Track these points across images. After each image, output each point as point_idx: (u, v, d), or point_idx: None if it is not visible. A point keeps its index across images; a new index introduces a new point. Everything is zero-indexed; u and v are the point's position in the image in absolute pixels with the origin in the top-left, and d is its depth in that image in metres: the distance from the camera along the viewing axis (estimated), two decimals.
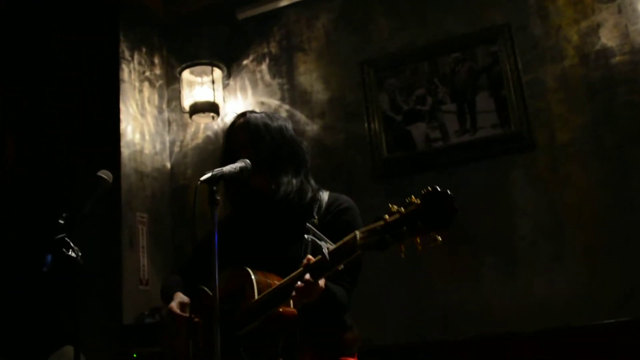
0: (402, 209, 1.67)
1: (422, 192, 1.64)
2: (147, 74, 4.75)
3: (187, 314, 2.13)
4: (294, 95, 4.53)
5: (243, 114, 2.32)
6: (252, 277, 1.99)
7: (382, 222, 1.70)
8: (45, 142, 4.51)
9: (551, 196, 3.73)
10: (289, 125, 2.33)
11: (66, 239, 2.05)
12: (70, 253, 2.04)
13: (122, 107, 4.40)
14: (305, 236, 1.86)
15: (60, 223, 2.07)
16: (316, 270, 1.83)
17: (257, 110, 4.43)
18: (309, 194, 2.21)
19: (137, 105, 4.56)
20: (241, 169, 2.03)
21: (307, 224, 1.90)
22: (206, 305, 2.02)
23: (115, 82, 4.44)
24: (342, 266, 1.81)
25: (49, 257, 2.02)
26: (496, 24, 4.05)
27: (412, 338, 3.71)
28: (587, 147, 3.71)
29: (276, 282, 2.00)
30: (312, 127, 4.40)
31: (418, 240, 1.65)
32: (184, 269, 2.44)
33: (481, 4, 4.13)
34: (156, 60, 4.89)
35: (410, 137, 4.12)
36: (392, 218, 1.68)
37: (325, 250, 1.79)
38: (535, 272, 3.65)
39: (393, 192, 4.04)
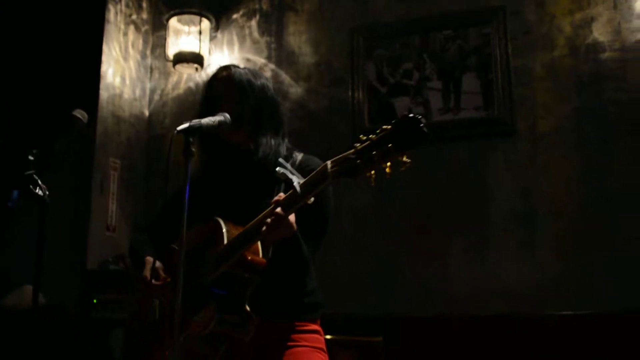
0: (373, 136, 1.65)
1: (393, 120, 1.64)
2: (134, 17, 4.64)
3: (160, 282, 2.10)
4: (281, 55, 4.46)
5: (226, 67, 2.25)
6: (222, 225, 1.96)
7: (352, 150, 1.69)
8: (23, 75, 4.40)
9: (527, 183, 3.75)
10: (271, 85, 2.27)
11: (34, 176, 2.00)
12: (37, 191, 1.99)
13: (104, 48, 4.29)
14: (277, 169, 1.83)
15: (30, 159, 2.01)
16: (287, 203, 1.81)
17: (242, 66, 4.44)
18: (284, 154, 2.17)
19: (120, 48, 4.46)
20: (220, 122, 1.98)
21: (279, 160, 1.88)
22: (176, 263, 1.95)
23: (100, 22, 4.32)
24: (312, 199, 1.79)
25: (16, 193, 1.97)
26: (491, 6, 4.01)
27: (376, 310, 3.73)
28: (568, 138, 3.72)
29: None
30: (296, 90, 4.35)
31: (388, 164, 1.63)
32: (153, 224, 2.39)
33: None
34: (144, 4, 4.77)
35: (393, 110, 4.10)
36: (363, 145, 1.66)
37: (296, 183, 1.79)
38: (504, 258, 3.69)
39: None
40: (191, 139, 1.85)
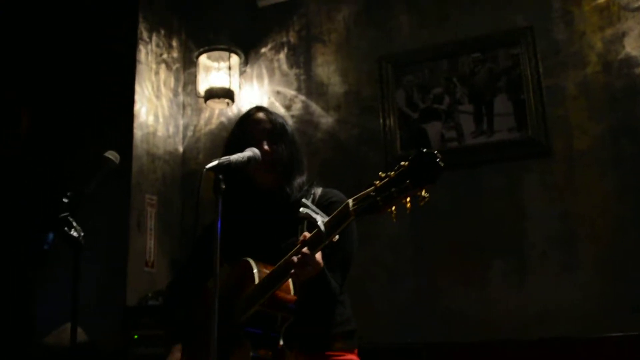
0: (392, 173, 1.70)
1: (410, 156, 1.69)
2: (164, 56, 4.73)
3: None
4: (310, 87, 4.49)
5: (261, 108, 2.32)
6: (253, 266, 2.00)
7: (372, 188, 1.73)
8: (59, 118, 4.51)
9: (564, 204, 3.68)
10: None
11: (69, 217, 2.03)
12: (72, 232, 2.02)
13: (137, 88, 4.38)
14: (301, 209, 1.86)
15: (64, 202, 2.05)
16: (313, 242, 1.85)
17: (273, 99, 4.48)
18: (305, 188, 2.24)
19: (152, 87, 4.54)
20: (249, 158, 2.00)
21: (302, 200, 1.91)
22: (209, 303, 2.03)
23: (132, 63, 4.41)
24: (337, 237, 1.83)
25: (51, 236, 2.00)
26: (519, 27, 3.99)
27: (415, 339, 3.68)
28: (604, 156, 3.65)
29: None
30: (326, 120, 4.37)
31: (408, 200, 1.67)
32: (184, 268, 2.46)
33: (505, 6, 4.07)
34: (174, 43, 4.87)
35: (425, 135, 4.08)
36: (382, 182, 1.71)
37: (320, 222, 1.82)
38: (543, 281, 3.61)
39: None
40: (221, 176, 1.87)
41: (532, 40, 3.92)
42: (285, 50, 4.63)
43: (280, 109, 4.50)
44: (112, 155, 2.20)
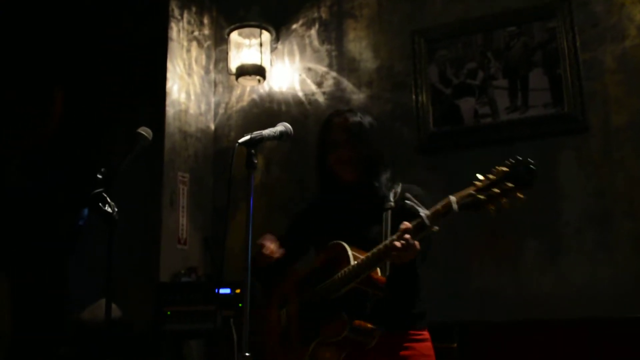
0: (491, 176, 1.95)
1: (507, 162, 1.95)
2: (196, 33, 4.73)
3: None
4: (342, 63, 4.45)
5: (339, 113, 2.49)
6: (346, 247, 2.17)
7: (473, 187, 1.98)
8: (93, 98, 4.54)
9: (601, 181, 3.60)
10: (375, 123, 2.51)
11: (103, 194, 2.06)
12: (106, 208, 2.04)
13: (169, 65, 4.39)
14: (406, 201, 2.10)
15: (98, 178, 2.07)
16: (415, 231, 2.03)
17: (304, 76, 4.45)
18: (388, 184, 2.39)
19: (184, 64, 4.55)
20: (281, 132, 2.02)
21: (406, 194, 2.19)
22: (295, 279, 2.40)
23: (164, 41, 4.42)
24: (436, 228, 2.04)
25: (86, 211, 2.03)
26: None
27: (446, 318, 3.66)
28: None
29: (364, 254, 2.17)
30: (358, 96, 4.33)
31: (505, 200, 1.93)
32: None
33: None
34: (205, 20, 4.86)
35: (458, 111, 4.02)
36: (484, 183, 1.96)
37: (423, 214, 2.03)
38: (578, 260, 3.55)
39: (438, 167, 3.97)
40: (253, 151, 1.87)
41: (569, 13, 3.82)
42: (317, 26, 4.59)
43: (311, 86, 4.47)
44: (145, 131, 2.21)
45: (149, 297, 3.88)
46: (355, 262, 2.12)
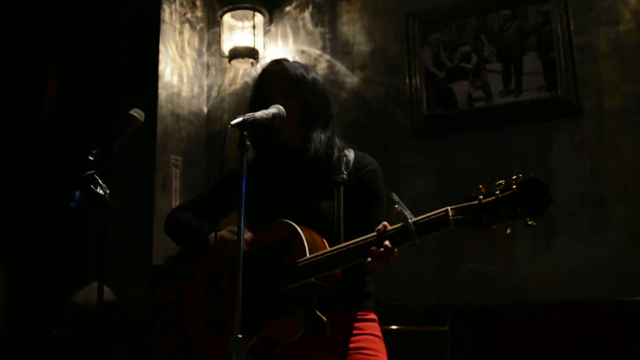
0: (498, 192, 1.73)
1: (515, 178, 1.72)
2: (188, 15, 4.69)
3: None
4: (336, 45, 4.43)
5: (279, 61, 2.24)
6: (300, 233, 1.94)
7: (476, 202, 1.76)
8: (85, 79, 4.52)
9: (594, 165, 3.61)
10: (321, 79, 2.25)
11: (95, 175, 2.03)
12: (98, 190, 2.02)
13: (161, 48, 4.36)
14: (395, 206, 1.83)
15: (90, 160, 2.05)
16: (397, 238, 1.84)
17: (297, 59, 4.43)
18: (336, 152, 2.17)
19: (176, 47, 4.51)
20: (274, 115, 1.97)
21: (392, 194, 1.86)
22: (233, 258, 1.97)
23: (156, 23, 4.39)
24: (419, 241, 1.83)
25: (77, 193, 2.01)
26: None
27: (439, 301, 3.67)
28: (637, 117, 3.56)
29: (317, 238, 1.98)
30: (352, 79, 4.31)
31: (512, 222, 1.73)
32: (195, 205, 2.37)
33: None
34: (198, 2, 4.81)
35: (452, 95, 4.01)
36: (488, 199, 1.75)
37: (410, 220, 1.81)
38: (571, 243, 3.56)
39: (432, 150, 3.97)
40: (245, 132, 1.84)
41: None
42: (310, 8, 4.56)
43: None
44: (137, 113, 2.19)
45: (142, 280, 3.88)
46: (312, 255, 1.91)
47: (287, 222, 1.98)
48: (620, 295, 3.32)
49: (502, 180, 1.76)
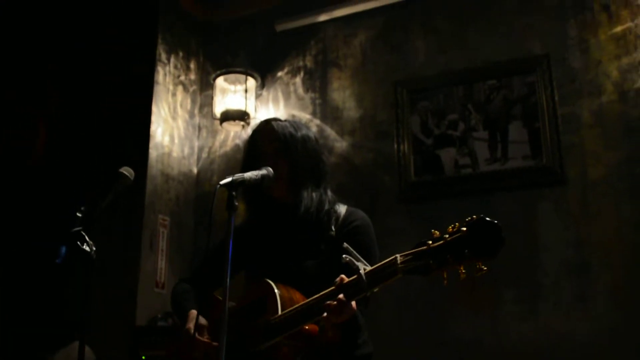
0: (447, 236, 1.64)
1: (467, 220, 1.63)
2: (182, 78, 4.78)
3: (206, 339, 2.08)
4: (326, 111, 4.51)
5: (267, 121, 2.29)
6: (275, 291, 1.94)
7: (425, 247, 1.67)
8: (75, 135, 4.55)
9: (579, 233, 3.64)
10: (312, 135, 2.30)
11: (82, 232, 2.04)
12: (84, 247, 2.02)
13: (154, 108, 4.42)
14: (344, 256, 1.79)
15: (78, 216, 2.06)
16: (350, 290, 1.79)
17: None
18: (326, 207, 2.18)
19: (169, 108, 4.58)
20: (263, 176, 2.00)
21: (344, 244, 1.83)
22: (216, 314, 1.99)
23: (150, 84, 4.46)
24: (377, 289, 1.76)
25: (63, 249, 2.01)
26: (535, 54, 3.99)
27: None
28: (620, 185, 3.62)
29: (298, 296, 1.97)
30: (341, 144, 4.37)
31: (462, 269, 1.63)
32: (196, 273, 2.42)
33: (521, 33, 4.08)
34: (192, 65, 4.91)
35: (439, 161, 4.07)
36: (436, 244, 1.65)
37: (361, 271, 1.75)
38: (557, 311, 3.56)
39: (419, 216, 4.00)
40: (234, 193, 1.86)
41: (547, 68, 3.92)
42: (302, 74, 4.66)
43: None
44: (127, 171, 2.21)
45: (125, 340, 3.82)
46: (282, 312, 1.88)
47: (266, 281, 1.97)
48: None
49: (456, 222, 1.66)
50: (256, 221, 2.26)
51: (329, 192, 2.24)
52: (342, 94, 4.49)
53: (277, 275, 2.02)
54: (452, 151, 4.06)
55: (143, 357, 3.69)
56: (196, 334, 2.06)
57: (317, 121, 4.50)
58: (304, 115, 4.55)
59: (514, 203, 3.83)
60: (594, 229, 3.61)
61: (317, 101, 4.56)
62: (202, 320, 2.12)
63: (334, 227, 2.13)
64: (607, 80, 3.80)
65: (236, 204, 1.85)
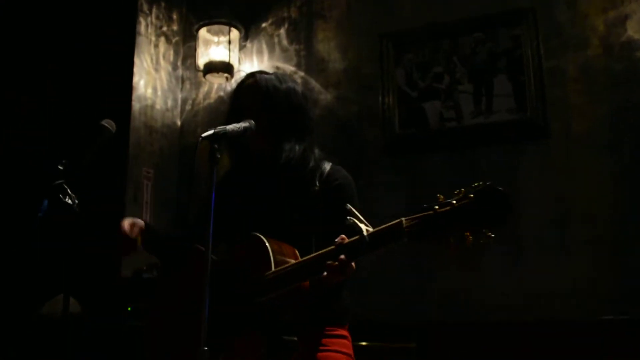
0: (454, 202, 1.61)
1: (475, 185, 1.61)
2: (164, 29, 4.70)
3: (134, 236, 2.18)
4: (310, 63, 4.47)
5: (252, 74, 2.27)
6: (267, 246, 1.93)
7: (431, 212, 1.64)
8: (56, 87, 4.49)
9: (561, 186, 3.67)
10: (298, 89, 2.28)
11: (64, 185, 2.03)
12: (66, 200, 2.02)
13: (136, 60, 4.35)
14: (348, 217, 1.78)
15: (59, 169, 2.05)
16: (352, 251, 1.78)
17: None
18: (311, 163, 2.18)
19: (151, 59, 4.51)
20: (245, 128, 1.98)
21: (348, 205, 1.82)
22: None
23: (132, 35, 4.39)
24: (377, 252, 1.75)
25: (45, 203, 2.00)
26: (521, 7, 3.95)
27: (408, 317, 3.70)
28: (602, 140, 3.64)
29: (289, 250, 1.98)
30: (325, 97, 4.35)
31: (468, 235, 1.60)
32: (193, 224, 2.39)
33: None
34: (174, 16, 4.83)
35: (424, 114, 4.06)
36: (443, 209, 1.62)
37: (364, 232, 1.74)
38: (539, 263, 3.61)
39: (404, 168, 4.02)
40: (216, 145, 1.85)
41: (534, 21, 3.89)
42: (286, 25, 4.60)
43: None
44: (108, 123, 2.20)
45: (110, 292, 3.84)
46: (277, 268, 1.89)
47: (257, 236, 1.98)
48: (583, 315, 3.38)
49: (462, 188, 1.64)
50: (241, 174, 2.25)
51: (316, 150, 2.23)
52: (327, 45, 4.45)
53: (266, 230, 2.01)
54: (437, 104, 4.05)
55: (129, 308, 3.72)
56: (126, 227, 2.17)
57: (302, 73, 4.46)
58: (289, 67, 4.50)
59: (497, 156, 3.85)
60: (575, 182, 3.64)
61: (302, 53, 4.51)
62: (138, 221, 2.24)
63: (318, 183, 2.13)
64: (593, 34, 3.79)
65: (218, 156, 1.84)
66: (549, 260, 3.60)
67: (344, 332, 2.12)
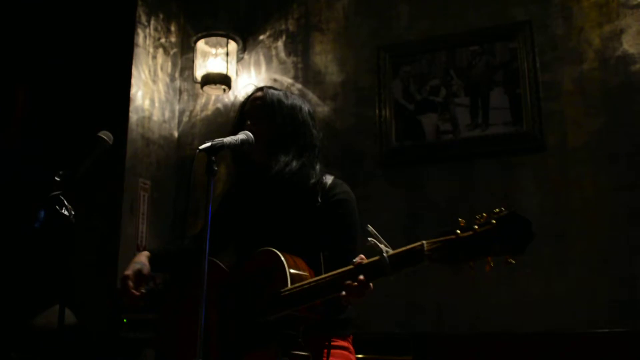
0: (476, 227, 1.62)
1: (497, 211, 1.61)
2: (162, 40, 4.71)
3: (136, 292, 2.12)
4: (308, 75, 4.48)
5: (261, 88, 2.31)
6: (284, 263, 1.91)
7: (453, 236, 1.65)
8: (55, 100, 4.50)
9: (557, 199, 3.68)
10: (305, 107, 2.29)
11: (61, 196, 2.03)
12: (63, 211, 2.02)
13: (134, 71, 4.36)
14: (369, 239, 1.77)
15: (56, 180, 2.05)
16: (372, 272, 1.77)
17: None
18: (312, 179, 2.17)
19: (149, 71, 4.52)
20: (242, 141, 2.00)
21: (368, 226, 1.82)
22: (217, 279, 2.02)
23: (130, 46, 4.40)
24: (393, 276, 1.75)
25: (42, 213, 2.00)
26: (517, 21, 3.98)
27: (404, 329, 3.69)
28: (598, 153, 3.65)
29: (303, 265, 1.97)
30: (323, 109, 4.36)
31: (489, 260, 1.61)
32: (197, 236, 2.40)
33: None
34: (172, 28, 4.85)
35: (421, 127, 4.08)
36: (465, 234, 1.63)
37: (385, 254, 1.74)
38: (534, 275, 3.61)
39: (400, 181, 4.02)
40: (213, 158, 1.86)
41: (530, 35, 3.92)
42: (284, 37, 4.62)
43: None
44: (105, 135, 2.20)
45: (106, 304, 3.83)
46: (293, 285, 1.87)
47: (272, 251, 1.96)
48: (578, 328, 3.38)
49: (483, 213, 1.64)
50: (245, 187, 2.27)
51: (318, 165, 2.23)
52: (324, 58, 4.47)
53: (266, 244, 2.01)
54: (433, 117, 4.07)
55: (125, 320, 3.71)
56: (129, 282, 2.10)
57: (299, 85, 4.48)
58: (286, 80, 4.52)
59: (494, 169, 3.86)
60: (572, 195, 3.65)
61: (299, 65, 4.53)
62: (144, 266, 2.17)
63: (320, 198, 2.13)
64: (588, 47, 3.81)
65: (215, 168, 1.85)
66: (544, 273, 3.60)
67: (346, 344, 2.13)
